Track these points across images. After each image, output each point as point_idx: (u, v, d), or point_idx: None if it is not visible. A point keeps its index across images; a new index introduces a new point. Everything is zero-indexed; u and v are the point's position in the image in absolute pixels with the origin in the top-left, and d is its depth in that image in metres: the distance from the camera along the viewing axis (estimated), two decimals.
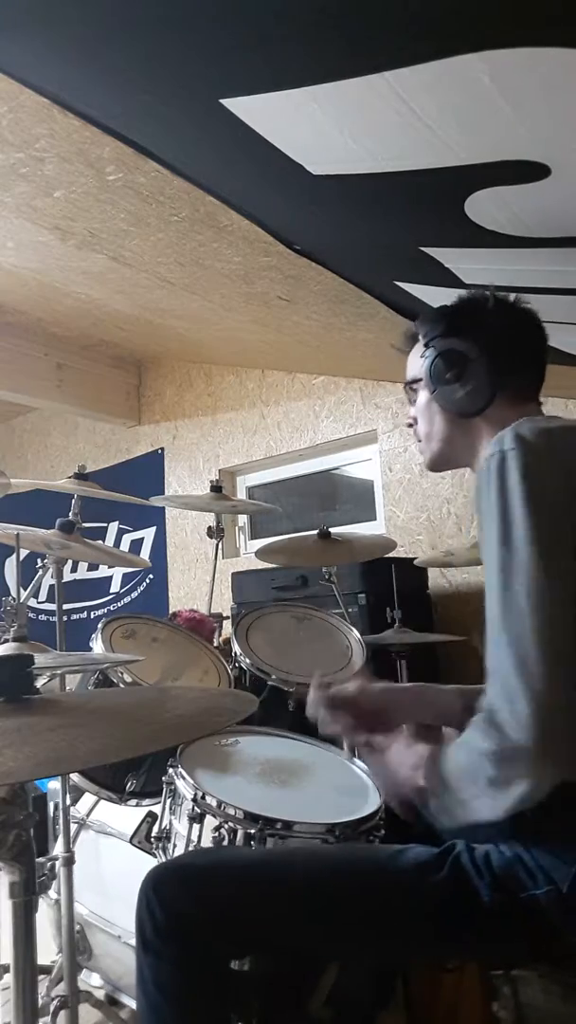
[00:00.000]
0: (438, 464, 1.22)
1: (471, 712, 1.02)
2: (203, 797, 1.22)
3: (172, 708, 0.97)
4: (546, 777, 0.85)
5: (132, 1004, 1.63)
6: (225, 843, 1.17)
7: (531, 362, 1.18)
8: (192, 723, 0.93)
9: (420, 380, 1.20)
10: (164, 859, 1.29)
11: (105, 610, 4.50)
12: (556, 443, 0.97)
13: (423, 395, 1.20)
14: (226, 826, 1.18)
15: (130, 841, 1.39)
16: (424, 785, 0.98)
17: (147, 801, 1.56)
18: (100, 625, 1.81)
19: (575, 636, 0.88)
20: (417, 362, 1.20)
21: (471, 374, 1.12)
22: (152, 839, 1.34)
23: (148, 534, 4.42)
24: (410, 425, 1.25)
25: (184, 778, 1.26)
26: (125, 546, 4.47)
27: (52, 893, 1.76)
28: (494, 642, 0.90)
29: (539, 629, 0.86)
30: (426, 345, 1.17)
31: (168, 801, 1.33)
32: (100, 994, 1.71)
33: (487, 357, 1.12)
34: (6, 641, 1.23)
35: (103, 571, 4.58)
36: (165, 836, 1.31)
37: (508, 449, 0.93)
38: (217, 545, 2.69)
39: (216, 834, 1.18)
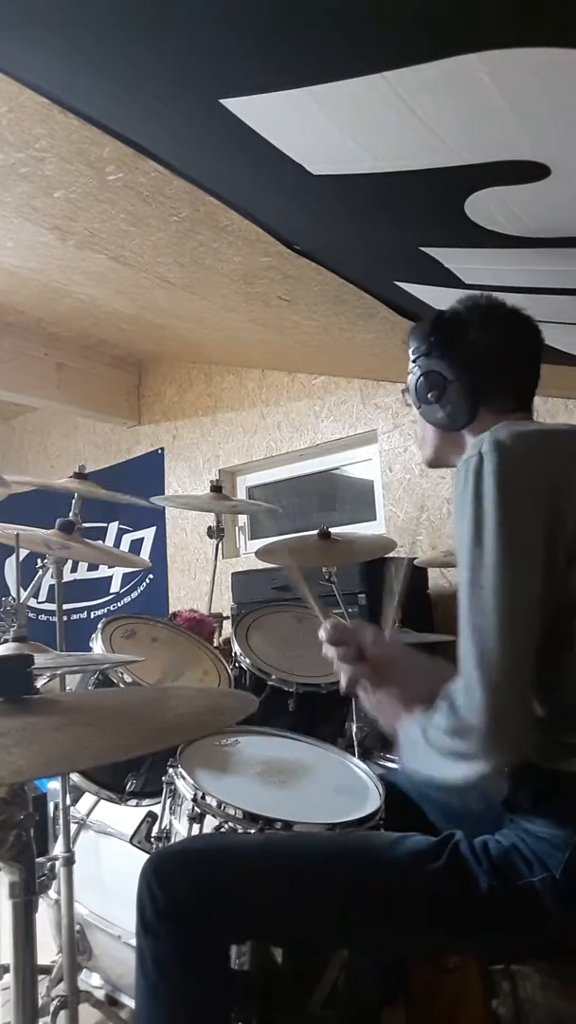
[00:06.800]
0: (432, 465, 1.27)
1: None
2: (203, 797, 1.22)
3: (175, 707, 0.98)
4: (494, 758, 0.91)
5: (132, 1004, 1.62)
6: None
7: (521, 373, 1.19)
8: (196, 721, 0.94)
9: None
10: None
11: (105, 610, 4.50)
12: (533, 447, 1.00)
13: (414, 406, 1.23)
14: (226, 826, 1.18)
15: (130, 841, 1.39)
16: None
17: (147, 801, 1.56)
18: (100, 625, 1.81)
19: (536, 635, 0.93)
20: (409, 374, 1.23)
21: (450, 395, 1.14)
22: (152, 839, 1.34)
23: (148, 534, 4.42)
24: (415, 422, 1.28)
25: (184, 778, 1.26)
26: (125, 546, 4.46)
27: (52, 893, 1.76)
28: (462, 634, 0.94)
29: (502, 626, 0.90)
30: (413, 362, 1.19)
31: (168, 801, 1.33)
32: (100, 994, 1.70)
33: (469, 377, 1.13)
34: (6, 641, 1.23)
35: (103, 571, 4.58)
36: (165, 836, 1.31)
37: (485, 452, 0.96)
38: (217, 545, 2.69)
39: None
